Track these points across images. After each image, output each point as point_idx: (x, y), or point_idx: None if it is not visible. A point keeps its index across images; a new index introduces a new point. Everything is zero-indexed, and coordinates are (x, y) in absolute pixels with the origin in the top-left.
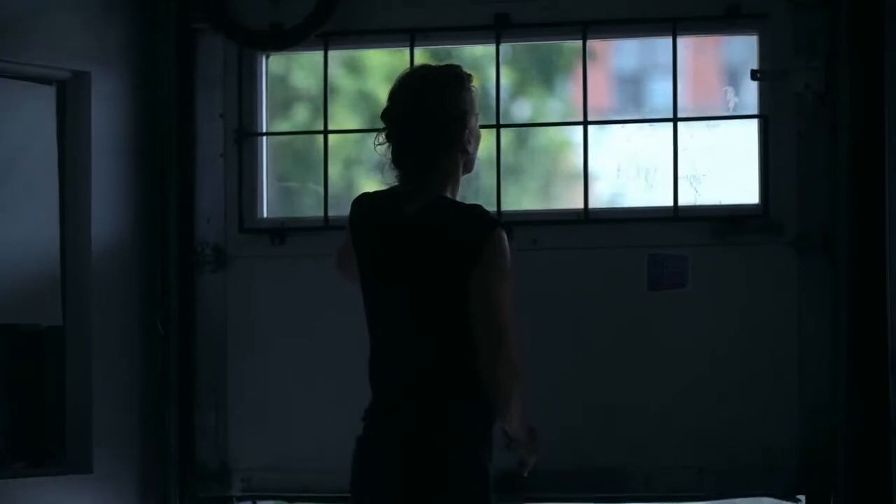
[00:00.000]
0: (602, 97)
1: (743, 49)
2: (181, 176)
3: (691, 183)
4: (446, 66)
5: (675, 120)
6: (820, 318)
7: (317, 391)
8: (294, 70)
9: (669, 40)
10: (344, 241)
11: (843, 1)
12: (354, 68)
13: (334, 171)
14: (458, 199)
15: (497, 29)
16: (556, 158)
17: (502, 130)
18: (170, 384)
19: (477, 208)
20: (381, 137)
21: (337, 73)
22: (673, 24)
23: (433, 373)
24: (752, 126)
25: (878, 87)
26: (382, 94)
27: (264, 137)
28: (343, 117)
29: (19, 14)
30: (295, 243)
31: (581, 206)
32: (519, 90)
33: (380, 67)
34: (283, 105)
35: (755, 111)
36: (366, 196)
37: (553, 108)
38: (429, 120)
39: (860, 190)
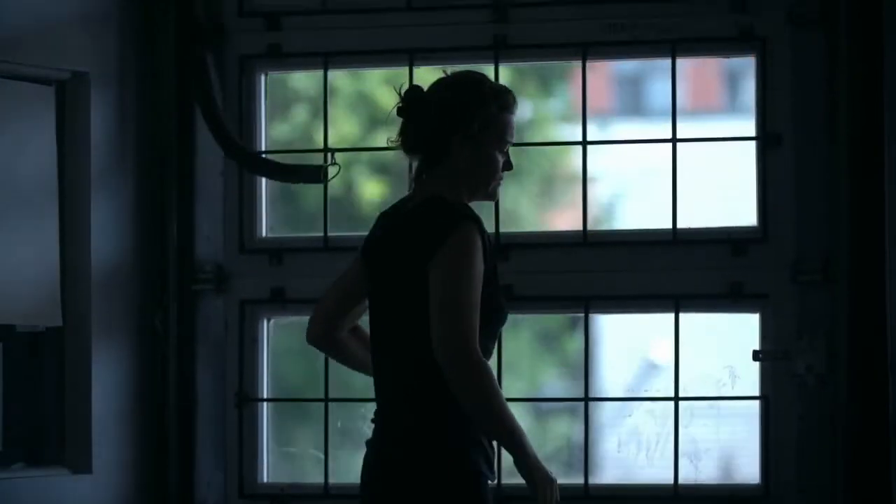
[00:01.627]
0: (602, 99)
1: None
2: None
3: (691, 460)
4: (461, 71)
5: (675, 399)
6: None
7: None
8: (293, 72)
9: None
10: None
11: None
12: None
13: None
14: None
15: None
16: (555, 161)
17: None
18: None
19: (458, 206)
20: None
21: (336, 73)
22: (675, 302)
23: (421, 374)
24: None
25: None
26: (381, 95)
27: (265, 403)
28: (342, 118)
29: (19, 14)
30: None
31: (581, 480)
32: (517, 90)
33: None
34: (283, 106)
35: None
36: (385, 211)
37: (553, 108)
38: (419, 122)
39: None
